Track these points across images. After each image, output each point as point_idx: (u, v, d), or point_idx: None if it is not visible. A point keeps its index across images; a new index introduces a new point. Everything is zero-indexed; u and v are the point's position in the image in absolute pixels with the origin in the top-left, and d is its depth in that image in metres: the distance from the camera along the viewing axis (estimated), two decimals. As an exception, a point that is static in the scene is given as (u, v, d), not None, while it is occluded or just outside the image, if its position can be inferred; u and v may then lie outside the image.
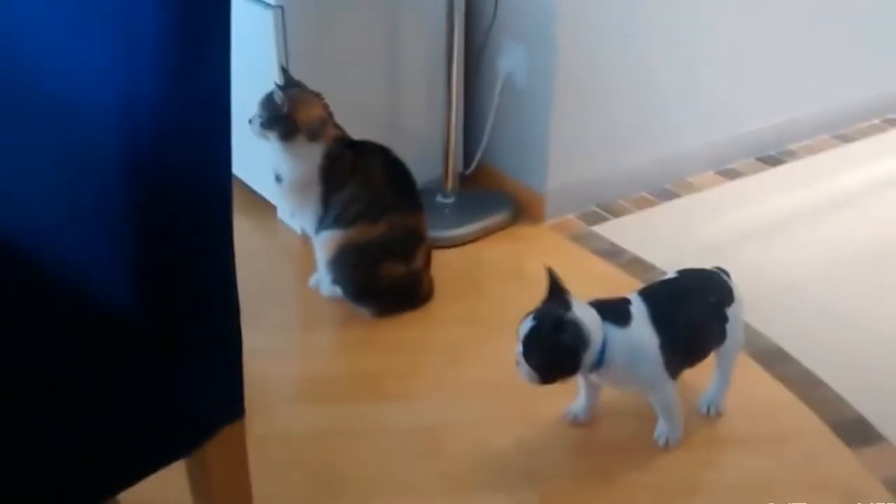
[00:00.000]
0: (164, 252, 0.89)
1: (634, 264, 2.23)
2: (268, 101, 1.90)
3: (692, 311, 1.63)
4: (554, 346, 1.48)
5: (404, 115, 2.37)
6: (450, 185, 2.37)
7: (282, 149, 1.92)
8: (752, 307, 2.03)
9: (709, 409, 1.73)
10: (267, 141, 1.92)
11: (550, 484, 1.59)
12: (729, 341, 1.68)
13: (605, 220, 2.44)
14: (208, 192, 0.90)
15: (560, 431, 1.71)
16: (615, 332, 1.53)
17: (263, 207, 2.33)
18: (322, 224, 1.96)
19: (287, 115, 1.88)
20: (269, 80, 1.94)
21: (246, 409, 1.69)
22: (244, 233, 2.34)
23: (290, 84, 1.93)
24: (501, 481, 1.59)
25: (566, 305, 1.50)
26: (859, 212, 2.53)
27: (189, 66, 0.83)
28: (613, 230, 2.39)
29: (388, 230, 1.93)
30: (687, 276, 1.71)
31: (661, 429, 1.66)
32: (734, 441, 1.69)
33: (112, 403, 0.89)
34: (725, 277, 1.71)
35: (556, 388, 1.74)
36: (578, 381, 1.69)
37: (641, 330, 1.55)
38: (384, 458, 1.63)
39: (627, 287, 2.09)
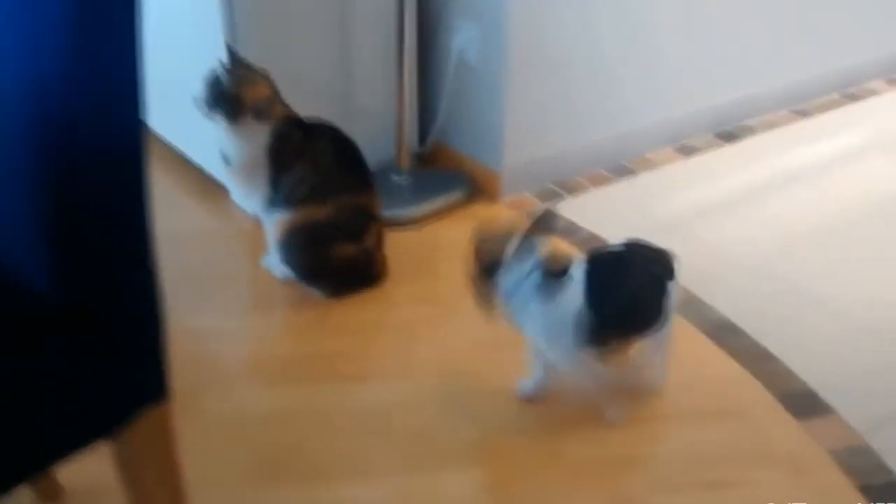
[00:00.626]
0: (74, 225, 0.87)
1: (590, 242, 2.22)
2: (212, 80, 1.87)
3: (634, 279, 1.61)
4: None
5: (357, 93, 2.35)
6: (404, 163, 2.36)
7: (228, 129, 1.89)
8: (705, 282, 2.05)
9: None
10: (213, 121, 1.89)
11: (501, 461, 1.59)
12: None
13: (561, 197, 2.43)
14: (119, 163, 0.88)
15: (512, 409, 1.70)
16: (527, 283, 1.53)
17: (216, 189, 2.30)
18: (271, 205, 1.93)
19: (233, 95, 1.86)
20: (215, 57, 1.91)
21: (197, 389, 1.70)
22: (196, 215, 2.33)
23: (235, 62, 1.90)
24: (453, 459, 1.58)
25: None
26: (815, 187, 2.54)
27: (91, 30, 0.80)
28: (570, 208, 2.37)
29: (338, 210, 1.91)
30: (635, 245, 1.68)
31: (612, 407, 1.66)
32: (681, 415, 1.69)
33: (22, 381, 0.87)
34: (670, 258, 1.68)
35: (509, 367, 1.75)
36: (532, 360, 1.69)
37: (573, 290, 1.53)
38: (335, 439, 1.62)
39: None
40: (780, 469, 1.57)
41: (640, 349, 1.70)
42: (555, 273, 1.54)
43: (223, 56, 1.91)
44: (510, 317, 1.58)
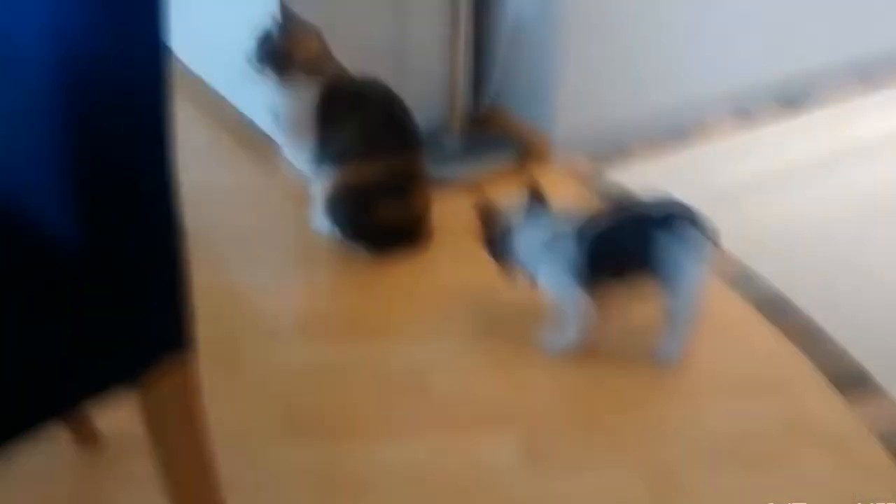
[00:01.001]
0: (95, 168, 0.87)
1: (641, 209, 2.17)
2: (264, 36, 1.87)
3: (620, 224, 1.66)
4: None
5: (411, 52, 2.32)
6: (456, 125, 2.33)
7: (278, 85, 1.89)
8: (758, 255, 2.00)
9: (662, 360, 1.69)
10: (263, 76, 1.89)
11: (537, 427, 1.57)
12: (672, 286, 1.62)
13: (615, 163, 2.38)
14: (140, 104, 0.87)
15: (551, 374, 1.69)
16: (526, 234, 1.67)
17: (268, 145, 2.30)
18: (319, 162, 1.93)
19: (283, 51, 1.85)
20: (268, 13, 1.90)
21: (236, 344, 1.71)
22: (246, 171, 2.34)
23: (287, 19, 1.89)
24: (489, 423, 1.58)
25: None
26: (882, 160, 2.44)
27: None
28: (624, 174, 2.33)
29: (385, 169, 1.90)
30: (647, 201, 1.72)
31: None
32: (725, 389, 1.65)
33: (42, 323, 0.88)
34: (689, 215, 1.64)
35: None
36: (557, 317, 1.69)
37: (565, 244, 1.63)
38: (370, 397, 1.63)
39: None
40: (824, 448, 1.53)
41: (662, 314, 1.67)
42: (560, 230, 1.66)
43: (275, 11, 1.90)
44: (529, 278, 1.70)
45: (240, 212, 2.17)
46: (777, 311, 1.84)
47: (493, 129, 2.44)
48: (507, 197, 1.75)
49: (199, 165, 2.36)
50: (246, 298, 1.88)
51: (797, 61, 2.71)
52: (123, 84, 0.85)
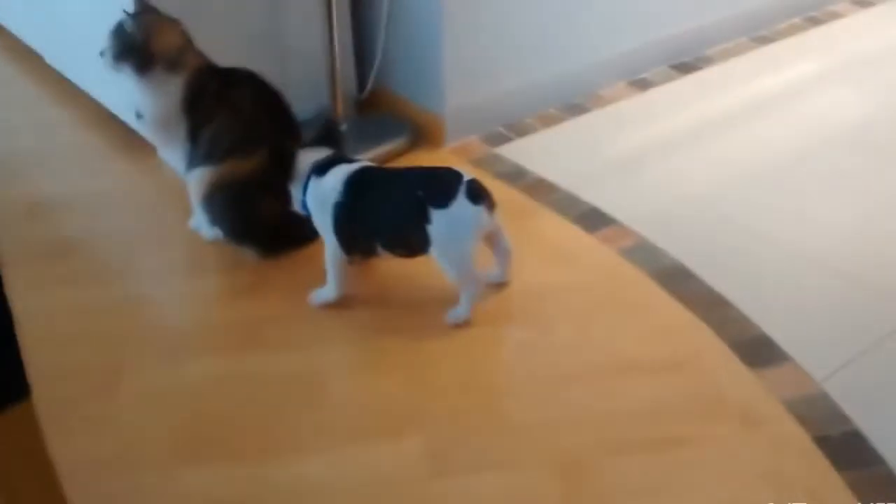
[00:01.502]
0: None
1: (537, 186, 2.12)
2: (118, 30, 1.74)
3: (389, 193, 1.66)
4: None
5: (286, 35, 2.20)
6: (340, 110, 2.23)
7: (139, 82, 1.76)
8: (658, 225, 1.96)
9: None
10: (122, 74, 1.76)
11: (439, 426, 1.49)
12: (436, 249, 1.63)
13: (509, 140, 2.31)
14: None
15: (445, 369, 1.61)
16: (314, 181, 1.68)
17: (143, 146, 2.17)
18: (192, 161, 1.81)
19: (141, 45, 1.73)
20: (121, 7, 1.77)
21: (118, 365, 1.60)
22: (123, 173, 2.21)
23: (143, 10, 1.76)
24: (389, 427, 1.50)
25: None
26: (776, 119, 2.43)
27: None
28: (518, 151, 2.27)
29: (263, 163, 1.79)
30: (416, 168, 1.77)
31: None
32: (627, 368, 1.60)
33: None
34: (464, 191, 1.60)
35: (442, 323, 1.66)
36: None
37: (332, 185, 1.65)
38: (264, 412, 1.53)
39: (529, 212, 2.01)
40: (732, 422, 1.49)
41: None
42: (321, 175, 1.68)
43: (129, 3, 1.77)
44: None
45: (118, 218, 2.04)
46: (677, 281, 1.80)
47: (379, 112, 2.34)
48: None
49: (71, 170, 2.22)
50: (128, 313, 1.76)
51: (687, 21, 2.67)
52: None
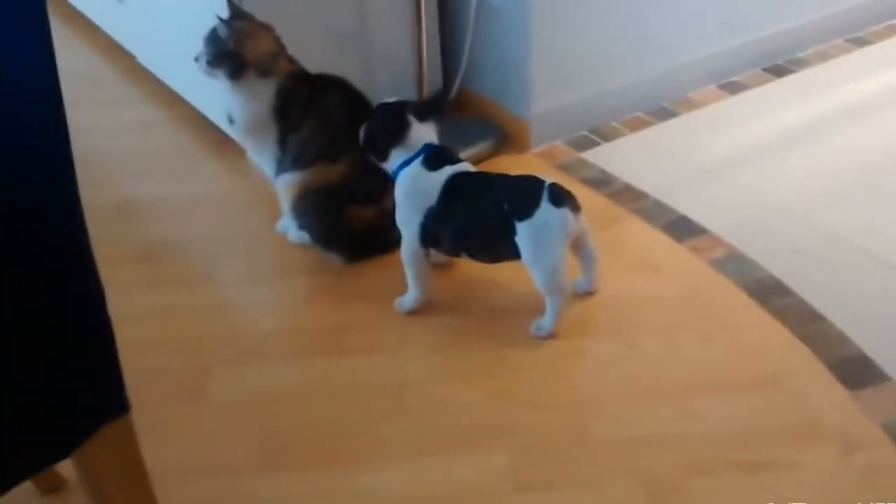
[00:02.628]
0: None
1: (624, 193, 2.08)
2: (212, 36, 1.76)
3: (477, 205, 1.64)
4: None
5: (374, 40, 2.21)
6: (427, 114, 2.22)
7: (231, 88, 1.78)
8: (750, 235, 1.91)
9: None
10: (215, 80, 1.78)
11: (522, 442, 1.48)
12: (526, 260, 1.62)
13: (595, 144, 2.28)
14: (41, 172, 0.77)
15: (531, 381, 1.60)
16: (419, 168, 1.67)
17: (232, 148, 2.20)
18: (281, 166, 1.83)
19: (233, 51, 1.74)
20: (214, 13, 1.79)
21: (204, 369, 1.62)
22: (211, 176, 2.24)
23: (236, 16, 1.78)
24: (470, 441, 1.48)
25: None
26: (874, 123, 2.34)
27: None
28: (604, 156, 2.23)
29: (351, 169, 1.80)
30: (504, 177, 1.70)
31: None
32: (718, 386, 1.56)
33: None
34: (547, 196, 1.59)
35: (527, 336, 1.65)
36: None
37: (431, 187, 1.64)
38: (344, 421, 1.53)
39: (615, 219, 1.98)
40: (828, 446, 1.44)
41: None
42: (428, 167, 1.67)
43: (223, 10, 1.79)
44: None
45: (206, 220, 2.07)
46: (770, 295, 1.75)
47: (465, 115, 2.33)
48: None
49: (161, 172, 2.26)
50: (214, 318, 1.78)
51: (780, 22, 2.60)
52: (17, 143, 0.75)
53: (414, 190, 1.67)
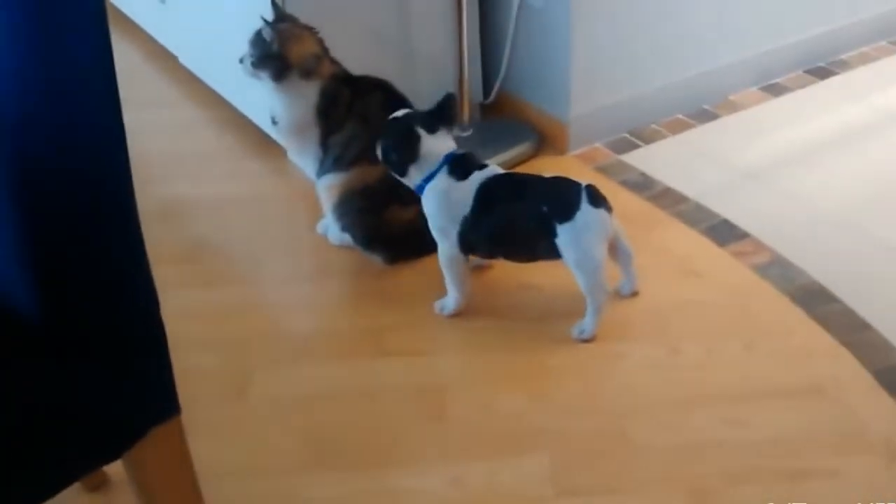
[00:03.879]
0: (51, 241, 0.78)
1: (664, 196, 2.07)
2: (257, 38, 1.77)
3: (515, 209, 1.64)
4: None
5: (415, 43, 2.21)
6: (466, 116, 2.22)
7: (275, 89, 1.79)
8: (793, 240, 1.89)
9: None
10: (259, 81, 1.80)
11: (564, 447, 1.47)
12: (568, 261, 1.62)
13: (635, 147, 2.27)
14: (94, 169, 0.78)
15: (572, 385, 1.59)
16: (446, 178, 1.65)
17: (273, 149, 2.21)
18: (322, 168, 1.84)
19: (278, 53, 1.75)
20: (260, 14, 1.80)
21: (247, 369, 1.63)
22: (252, 177, 2.26)
23: (280, 19, 1.79)
24: (508, 445, 1.48)
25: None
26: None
27: (43, 42, 0.70)
28: (644, 158, 2.22)
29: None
30: (539, 178, 1.68)
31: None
32: (761, 392, 1.55)
33: (3, 405, 0.80)
34: (585, 197, 1.60)
35: (567, 338, 1.64)
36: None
37: (463, 195, 1.64)
38: (387, 422, 1.54)
39: (655, 223, 1.97)
40: (875, 455, 1.42)
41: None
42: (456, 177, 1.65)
43: (267, 12, 1.80)
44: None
45: (248, 221, 2.08)
46: (815, 302, 1.73)
47: (504, 117, 2.33)
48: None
49: (203, 172, 2.28)
50: (257, 318, 1.80)
51: (822, 23, 2.57)
52: (73, 145, 0.76)
53: (446, 203, 1.66)
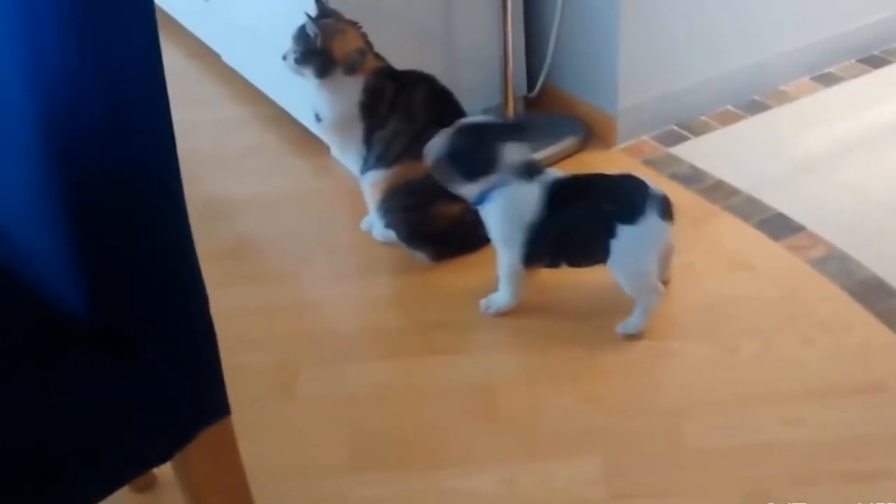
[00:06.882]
0: (103, 242, 0.77)
1: (716, 189, 2.02)
2: (300, 34, 1.76)
3: (579, 209, 1.60)
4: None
5: (458, 36, 2.18)
6: (511, 109, 2.19)
7: (319, 85, 1.78)
8: (850, 233, 1.83)
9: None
10: (303, 78, 1.78)
11: (617, 448, 1.44)
12: (615, 263, 1.58)
13: (685, 139, 2.22)
14: (143, 165, 0.77)
15: (624, 385, 1.56)
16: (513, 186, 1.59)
17: (317, 146, 2.20)
18: (366, 164, 1.82)
19: (321, 49, 1.74)
20: (303, 11, 1.78)
21: (293, 368, 1.62)
22: (296, 174, 2.24)
23: (323, 14, 1.77)
24: (563, 446, 1.45)
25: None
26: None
27: (91, 34, 0.69)
28: (694, 151, 2.17)
29: (437, 167, 1.77)
30: (603, 176, 1.65)
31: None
32: (822, 392, 1.50)
33: (55, 406, 0.79)
34: (649, 196, 1.55)
35: (616, 336, 1.61)
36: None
37: (528, 202, 1.58)
38: (434, 422, 1.52)
39: (707, 216, 1.92)
40: (941, 457, 1.37)
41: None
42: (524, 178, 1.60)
43: (310, 8, 1.79)
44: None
45: (292, 218, 2.07)
46: (875, 297, 1.68)
47: (550, 111, 2.29)
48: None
49: (247, 170, 2.27)
50: (302, 316, 1.78)
51: (876, 11, 2.50)
52: (122, 142, 0.75)
53: (514, 211, 1.60)
